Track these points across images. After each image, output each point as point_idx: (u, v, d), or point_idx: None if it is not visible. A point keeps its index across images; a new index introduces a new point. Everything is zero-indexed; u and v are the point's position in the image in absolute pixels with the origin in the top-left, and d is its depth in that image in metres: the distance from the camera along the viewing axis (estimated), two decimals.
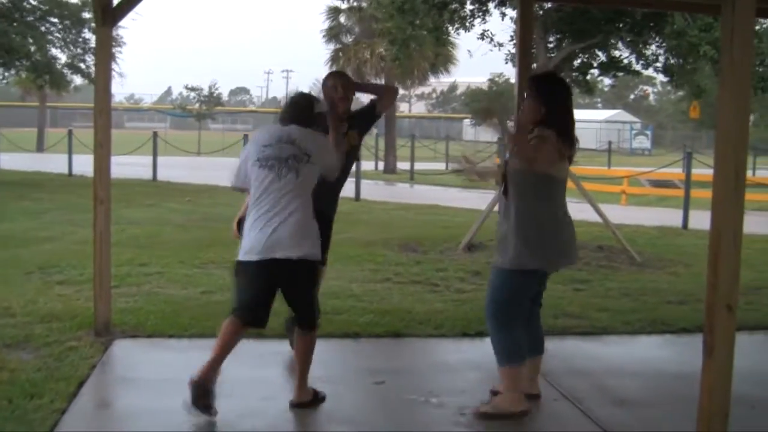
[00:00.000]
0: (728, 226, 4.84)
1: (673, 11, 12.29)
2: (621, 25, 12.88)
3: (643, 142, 74.99)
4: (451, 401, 6.37)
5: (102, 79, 7.60)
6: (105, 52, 7.71)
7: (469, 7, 13.09)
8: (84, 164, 26.02)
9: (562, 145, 5.88)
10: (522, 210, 5.89)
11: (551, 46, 13.19)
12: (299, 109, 6.08)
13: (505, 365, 6.07)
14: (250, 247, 5.73)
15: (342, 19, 37.54)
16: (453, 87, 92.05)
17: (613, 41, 13.71)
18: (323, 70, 39.80)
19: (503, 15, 13.30)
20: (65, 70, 30.50)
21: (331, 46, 37.64)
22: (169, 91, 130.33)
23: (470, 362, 7.41)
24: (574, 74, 14.19)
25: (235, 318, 5.87)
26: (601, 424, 5.98)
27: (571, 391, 6.61)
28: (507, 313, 6.01)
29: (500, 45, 13.98)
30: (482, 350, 7.44)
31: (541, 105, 5.92)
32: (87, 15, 29.04)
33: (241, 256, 5.81)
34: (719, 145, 4.89)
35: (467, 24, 13.23)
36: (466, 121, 74.05)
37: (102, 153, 7.61)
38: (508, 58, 14.07)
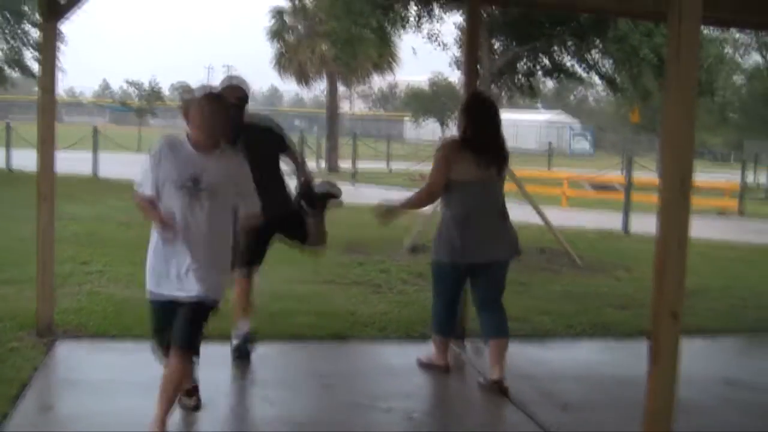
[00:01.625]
0: (674, 234, 4.90)
1: (617, 17, 12.42)
2: (564, 30, 12.98)
3: (583, 143, 75.71)
4: (398, 405, 6.39)
5: (47, 77, 7.50)
6: (50, 49, 7.62)
7: (413, 8, 13.12)
8: (23, 158, 25.65)
9: (465, 153, 6.70)
10: (441, 210, 7.03)
11: (496, 48, 13.25)
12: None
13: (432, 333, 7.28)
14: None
15: (285, 18, 37.42)
16: (393, 85, 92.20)
17: (556, 46, 13.81)
18: (265, 67, 39.60)
19: (440, 18, 13.34)
20: (3, 65, 30.00)
21: (275, 46, 37.55)
22: (106, 85, 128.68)
23: (415, 365, 7.42)
24: (517, 78, 14.28)
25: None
26: (547, 428, 6.04)
27: (516, 395, 6.66)
28: (436, 293, 7.10)
29: (445, 46, 14.02)
30: (427, 353, 7.47)
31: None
32: (26, 8, 28.67)
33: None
34: (665, 152, 4.94)
35: (411, 25, 13.26)
36: (407, 120, 74.16)
37: (45, 149, 7.51)
38: (452, 60, 14.13)
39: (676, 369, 4.97)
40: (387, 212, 7.00)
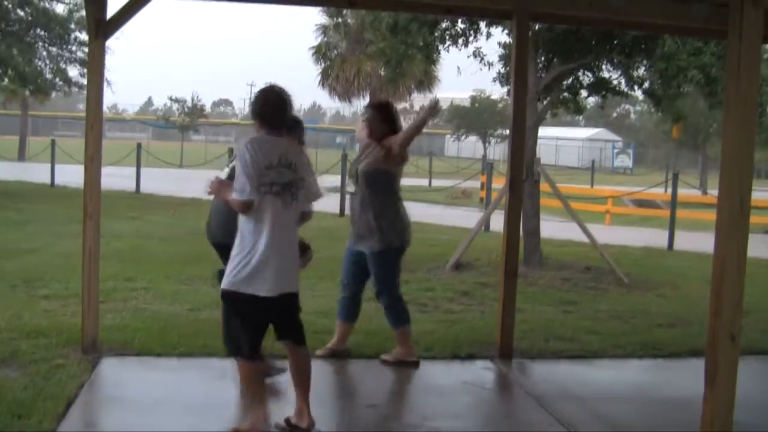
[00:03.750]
0: (732, 254, 4.79)
1: (667, 34, 12.28)
2: (611, 47, 12.84)
3: (625, 160, 75.20)
4: (445, 425, 6.30)
5: (94, 93, 7.49)
6: (97, 66, 7.62)
7: (460, 26, 13.04)
8: (66, 174, 25.90)
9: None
10: (377, 202, 7.64)
11: (541, 66, 13.13)
12: (287, 112, 5.74)
13: (400, 327, 7.81)
14: (262, 282, 5.47)
15: (329, 36, 37.54)
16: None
17: (602, 62, 13.67)
18: (307, 84, 39.72)
19: (489, 35, 13.25)
20: (50, 77, 30.27)
21: (319, 63, 37.68)
22: (150, 102, 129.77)
23: (462, 385, 7.32)
24: (563, 94, 14.14)
25: (248, 362, 5.67)
26: None
27: (566, 416, 6.54)
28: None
29: (490, 64, 13.92)
30: (474, 373, 7.38)
31: (387, 124, 7.72)
32: (72, 25, 28.99)
33: (248, 289, 5.49)
34: (724, 173, 4.85)
35: (459, 42, 13.18)
36: (449, 137, 74.02)
37: (93, 167, 7.50)
38: (497, 77, 14.00)
39: (734, 393, 4.86)
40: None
